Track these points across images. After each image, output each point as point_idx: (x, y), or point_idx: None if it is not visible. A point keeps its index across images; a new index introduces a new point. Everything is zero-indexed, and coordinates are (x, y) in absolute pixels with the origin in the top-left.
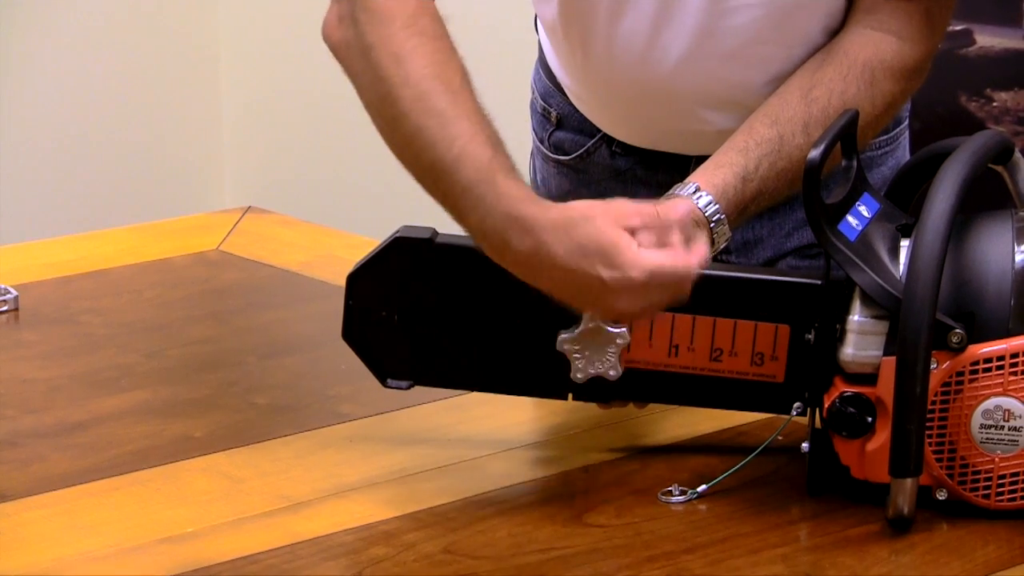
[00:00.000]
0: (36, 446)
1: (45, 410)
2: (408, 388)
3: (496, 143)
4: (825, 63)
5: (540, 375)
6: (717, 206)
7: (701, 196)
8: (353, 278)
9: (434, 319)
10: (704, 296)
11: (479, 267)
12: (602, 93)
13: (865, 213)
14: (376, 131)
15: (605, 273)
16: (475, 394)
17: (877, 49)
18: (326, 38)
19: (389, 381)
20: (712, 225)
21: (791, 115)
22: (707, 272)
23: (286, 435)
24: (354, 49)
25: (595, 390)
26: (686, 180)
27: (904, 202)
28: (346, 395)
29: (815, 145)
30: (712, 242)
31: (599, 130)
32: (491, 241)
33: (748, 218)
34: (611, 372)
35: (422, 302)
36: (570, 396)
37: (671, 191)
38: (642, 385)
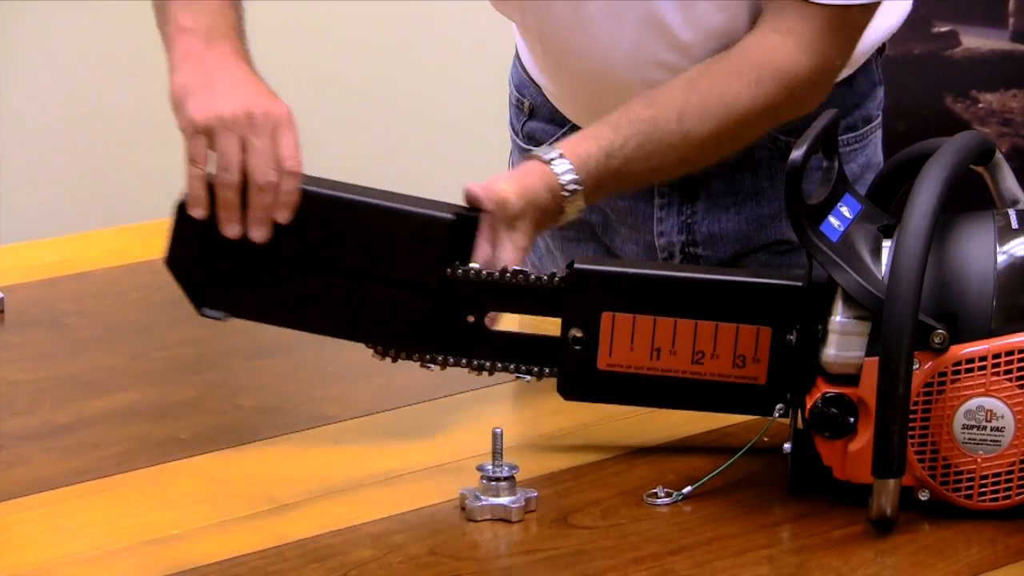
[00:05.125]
0: (21, 448)
1: (30, 412)
2: (224, 319)
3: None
4: (720, 59)
5: (362, 319)
6: (575, 176)
7: (561, 163)
8: (182, 206)
9: (256, 253)
10: (685, 299)
11: (304, 207)
12: (563, 82)
13: (847, 214)
14: (364, 134)
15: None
16: (461, 396)
17: (771, 51)
18: None
19: (205, 310)
20: (565, 195)
21: (670, 100)
22: (688, 275)
23: (272, 437)
24: None
25: (582, 391)
26: (552, 145)
27: (886, 203)
28: (332, 397)
29: (797, 146)
30: (563, 211)
31: (568, 120)
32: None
33: (606, 194)
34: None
35: (247, 236)
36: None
37: (533, 151)
38: (624, 388)
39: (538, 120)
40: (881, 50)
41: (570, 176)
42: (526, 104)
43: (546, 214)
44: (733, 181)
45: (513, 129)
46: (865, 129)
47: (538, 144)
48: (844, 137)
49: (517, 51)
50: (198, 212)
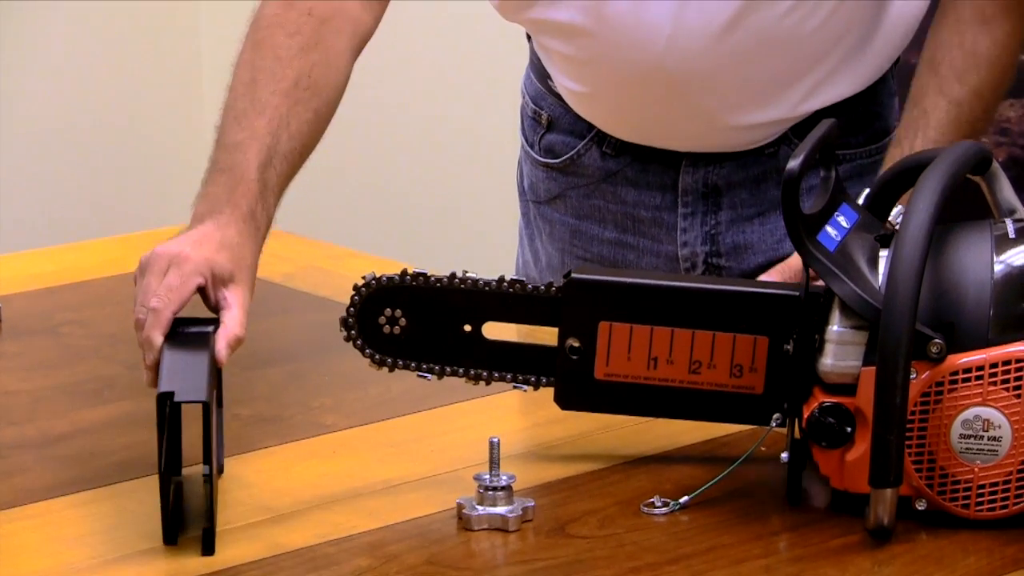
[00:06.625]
0: (18, 457)
1: (27, 422)
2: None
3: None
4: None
5: None
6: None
7: None
8: None
9: None
10: (682, 308)
11: None
12: (603, 81)
13: (844, 223)
14: (360, 144)
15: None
16: (458, 405)
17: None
18: None
19: None
20: None
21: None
22: (685, 284)
23: (269, 446)
24: None
25: (579, 400)
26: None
27: (883, 212)
28: (329, 406)
29: (794, 156)
30: None
31: (590, 131)
32: (197, 206)
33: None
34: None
35: None
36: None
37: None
38: (621, 398)
39: (557, 132)
40: (895, 61)
41: None
42: (544, 116)
43: None
44: (757, 192)
45: (527, 141)
46: (885, 141)
47: (557, 157)
48: (867, 148)
49: (532, 61)
50: None
